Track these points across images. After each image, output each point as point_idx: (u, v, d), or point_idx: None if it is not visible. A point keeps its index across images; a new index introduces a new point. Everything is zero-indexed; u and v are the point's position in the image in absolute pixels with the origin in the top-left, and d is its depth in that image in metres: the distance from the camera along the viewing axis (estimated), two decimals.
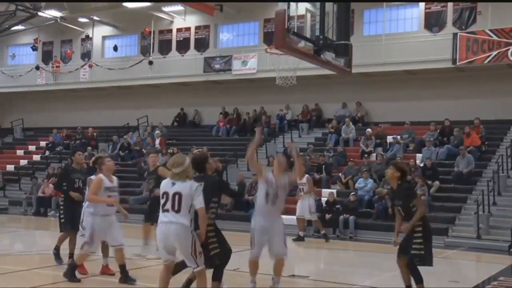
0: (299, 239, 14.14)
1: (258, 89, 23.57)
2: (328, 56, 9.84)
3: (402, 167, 7.29)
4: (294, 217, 16.13)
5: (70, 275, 7.96)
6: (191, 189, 5.92)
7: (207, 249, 6.35)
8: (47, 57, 29.01)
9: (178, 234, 5.86)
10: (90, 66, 26.72)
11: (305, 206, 14.30)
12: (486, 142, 18.55)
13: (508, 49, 18.40)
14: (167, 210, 5.89)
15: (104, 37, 28.16)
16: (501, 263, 11.29)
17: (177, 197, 5.86)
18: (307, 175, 14.51)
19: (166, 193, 5.93)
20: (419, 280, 6.94)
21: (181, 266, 6.54)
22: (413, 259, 6.89)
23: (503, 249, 13.10)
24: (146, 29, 25.68)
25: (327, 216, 15.59)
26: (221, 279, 6.61)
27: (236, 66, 23.32)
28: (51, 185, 20.09)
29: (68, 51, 28.35)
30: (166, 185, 6.00)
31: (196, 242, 5.95)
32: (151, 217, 10.22)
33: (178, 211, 5.86)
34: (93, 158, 9.19)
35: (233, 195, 7.11)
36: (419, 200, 7.24)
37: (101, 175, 8.24)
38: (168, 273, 6.19)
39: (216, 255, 6.49)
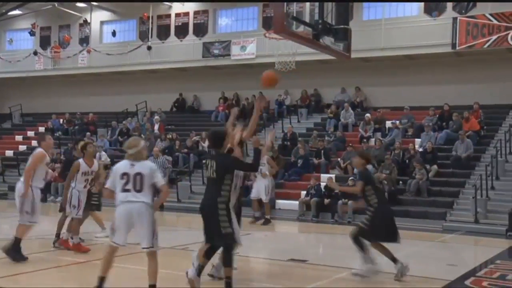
0: (266, 222, 14.02)
1: (257, 74, 23.27)
2: (327, 40, 9.82)
3: (366, 156, 8.41)
4: (293, 201, 16.24)
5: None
6: (151, 170, 6.15)
7: (218, 228, 6.37)
8: (45, 42, 28.89)
9: (141, 212, 6.06)
10: (89, 52, 26.62)
11: (261, 187, 14.32)
12: (485, 127, 18.57)
13: (508, 33, 18.33)
14: (128, 190, 6.08)
15: (102, 22, 28.03)
16: (498, 246, 11.38)
17: (138, 177, 6.08)
18: (267, 156, 14.22)
19: (126, 174, 6.11)
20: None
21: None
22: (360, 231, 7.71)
23: (501, 233, 13.19)
24: (145, 14, 25.55)
25: (326, 201, 15.64)
26: (232, 263, 6.56)
27: (235, 51, 23.23)
28: (50, 171, 20.09)
29: (66, 36, 28.24)
30: (124, 167, 6.18)
31: (155, 222, 6.16)
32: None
33: (139, 191, 6.08)
34: (81, 144, 9.69)
35: (249, 169, 6.83)
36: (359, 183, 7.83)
37: (80, 160, 9.13)
38: (113, 255, 6.34)
39: (228, 234, 6.39)
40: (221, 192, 6.41)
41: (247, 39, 23.17)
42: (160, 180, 6.20)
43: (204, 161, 6.93)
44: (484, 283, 7.64)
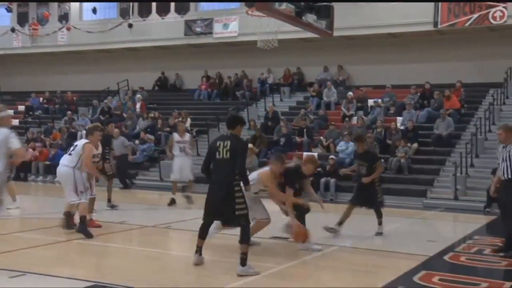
0: (172, 202, 13.05)
1: (239, 52, 23.37)
2: (310, 18, 9.77)
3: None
4: None
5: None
6: (5, 136, 6.70)
7: (234, 209, 6.44)
8: (22, 19, 28.32)
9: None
10: (68, 29, 26.19)
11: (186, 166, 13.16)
12: (466, 105, 18.74)
13: (489, 12, 18.42)
14: None
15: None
16: (476, 222, 11.59)
17: None
18: (188, 134, 13.75)
19: None
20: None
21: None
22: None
23: (479, 209, 13.42)
24: None
25: None
26: (249, 241, 6.65)
27: (217, 29, 23.05)
28: (30, 150, 19.93)
29: (45, 13, 27.71)
30: None
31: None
32: None
33: None
34: (89, 126, 10.32)
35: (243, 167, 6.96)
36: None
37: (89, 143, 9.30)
38: None
39: (242, 216, 6.48)
40: (235, 173, 6.47)
41: (229, 17, 22.98)
42: (14, 144, 6.74)
43: (213, 144, 6.80)
44: (462, 258, 7.79)
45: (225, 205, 6.48)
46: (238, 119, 6.97)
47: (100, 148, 9.82)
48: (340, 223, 9.34)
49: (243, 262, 6.45)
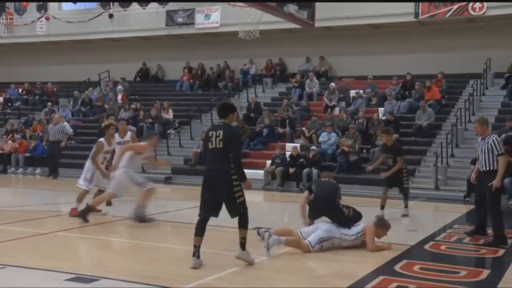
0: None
1: (221, 43, 23.29)
2: (291, 8, 9.79)
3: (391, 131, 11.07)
4: (258, 171, 16.32)
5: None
6: None
7: (233, 197, 6.36)
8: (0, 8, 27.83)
9: None
10: (47, 19, 25.83)
11: None
12: (446, 96, 18.91)
13: (469, 3, 18.58)
14: None
15: None
16: (456, 212, 11.73)
17: None
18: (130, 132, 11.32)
19: None
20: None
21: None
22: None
23: (459, 199, 13.58)
24: None
25: (291, 170, 15.78)
26: (248, 225, 6.58)
27: (199, 20, 22.93)
28: (10, 142, 19.69)
29: (24, 2, 27.26)
30: None
31: None
32: None
33: None
34: (105, 123, 10.81)
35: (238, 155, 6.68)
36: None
37: (102, 139, 9.90)
38: None
39: (241, 203, 6.45)
40: (230, 161, 6.32)
41: (211, 7, 22.86)
42: None
43: (206, 134, 6.61)
44: (442, 247, 7.89)
45: (226, 196, 6.36)
46: (229, 106, 6.74)
47: (113, 144, 10.12)
48: (382, 207, 10.36)
49: (243, 246, 6.49)
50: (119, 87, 23.48)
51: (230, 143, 6.34)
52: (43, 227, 8.63)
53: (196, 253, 6.45)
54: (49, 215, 9.67)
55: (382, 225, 7.72)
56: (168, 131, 19.85)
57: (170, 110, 20.63)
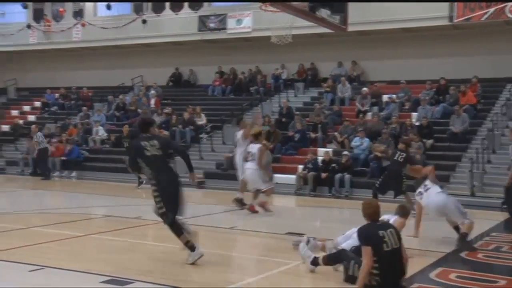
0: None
1: (253, 48, 23.36)
2: (324, 13, 9.75)
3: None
4: (290, 176, 16.27)
5: None
6: None
7: (182, 201, 6.82)
8: (38, 15, 28.50)
9: None
10: (83, 25, 26.32)
11: None
12: (482, 101, 18.56)
13: (506, 6, 18.19)
14: None
15: None
16: (493, 219, 11.47)
17: None
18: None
19: None
20: None
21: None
22: None
23: (496, 206, 13.27)
24: None
25: (323, 175, 15.69)
26: (182, 231, 6.79)
27: (231, 25, 23.03)
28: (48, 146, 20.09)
29: (61, 9, 27.85)
30: None
31: None
32: None
33: None
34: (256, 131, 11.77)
35: (179, 152, 7.55)
36: None
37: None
38: None
39: (163, 214, 6.73)
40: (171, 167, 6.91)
41: (242, 12, 22.94)
42: None
43: (136, 145, 7.08)
44: (480, 255, 7.72)
45: (178, 198, 6.83)
46: (149, 122, 7.30)
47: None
48: None
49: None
50: (152, 92, 23.76)
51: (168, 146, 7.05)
52: (78, 230, 8.78)
53: (193, 247, 6.74)
54: (84, 218, 9.83)
55: (406, 214, 7.49)
56: (200, 136, 19.98)
57: (202, 114, 20.77)
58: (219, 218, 11.10)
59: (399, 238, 5.58)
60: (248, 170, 11.28)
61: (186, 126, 20.16)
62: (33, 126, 20.54)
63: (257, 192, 11.18)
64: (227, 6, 24.17)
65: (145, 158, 6.77)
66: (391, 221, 6.64)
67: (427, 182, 8.64)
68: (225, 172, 17.21)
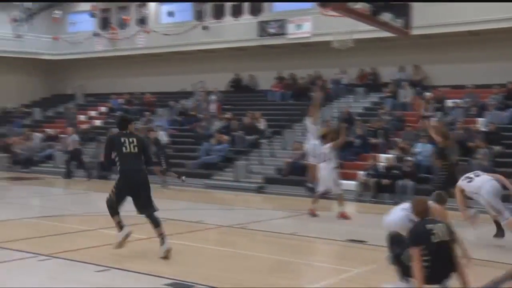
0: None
1: (312, 53, 23.27)
2: (386, 17, 9.59)
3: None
4: (350, 182, 16.04)
5: None
6: None
7: (150, 198, 7.62)
8: (104, 23, 29.54)
9: None
10: (147, 32, 27.05)
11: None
12: None
13: None
14: None
15: (158, 3, 28.38)
16: None
17: None
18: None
19: None
20: None
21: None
22: None
23: None
24: None
25: (385, 181, 15.40)
26: (117, 212, 7.52)
27: (290, 30, 23.04)
28: None
29: (125, 17, 28.75)
30: None
31: None
32: None
33: None
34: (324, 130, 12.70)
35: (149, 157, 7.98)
36: None
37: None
38: None
39: (153, 202, 7.62)
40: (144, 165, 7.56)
41: (302, 17, 22.90)
42: None
43: (114, 140, 7.63)
44: None
45: (145, 194, 7.57)
46: (128, 119, 7.87)
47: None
48: None
49: (162, 241, 7.39)
50: (213, 97, 24.09)
51: (144, 148, 7.61)
52: (143, 232, 8.97)
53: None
54: (146, 221, 10.00)
55: (442, 201, 7.13)
56: (260, 141, 20.06)
57: (262, 120, 20.86)
58: (279, 223, 11.11)
59: (451, 233, 5.52)
60: (324, 171, 11.36)
61: (246, 131, 20.31)
62: (70, 128, 22.01)
63: (341, 198, 11.56)
64: (286, 11, 24.20)
65: (120, 153, 7.40)
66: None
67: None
68: (285, 177, 17.21)
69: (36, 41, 29.79)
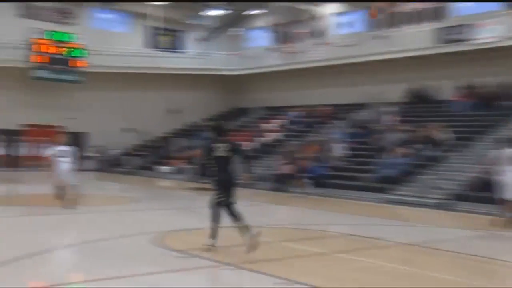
0: None
1: (499, 59, 21.43)
2: None
3: None
4: None
5: None
6: None
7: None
8: (280, 38, 30.50)
9: None
10: (326, 44, 27.30)
11: None
12: None
13: None
14: None
15: (332, 14, 28.56)
16: None
17: None
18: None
19: None
20: None
21: None
22: None
23: None
24: (372, 11, 25.27)
25: None
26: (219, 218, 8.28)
27: (476, 35, 21.51)
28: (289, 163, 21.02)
29: (300, 31, 29.43)
30: None
31: None
32: None
33: None
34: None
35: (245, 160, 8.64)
36: None
37: None
38: None
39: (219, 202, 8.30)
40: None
41: (488, 20, 21.26)
42: None
43: (212, 145, 8.30)
44: None
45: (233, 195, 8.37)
46: (220, 125, 8.68)
47: None
48: None
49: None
50: (390, 108, 23.38)
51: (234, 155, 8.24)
52: (325, 247, 8.88)
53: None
54: (322, 235, 9.94)
55: None
56: (443, 154, 18.91)
57: (444, 131, 19.67)
58: (466, 243, 10.27)
59: None
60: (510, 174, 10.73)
61: (427, 143, 19.32)
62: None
63: None
64: (468, 15, 22.69)
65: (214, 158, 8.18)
66: None
67: None
68: (472, 193, 15.90)
69: (217, 58, 31.80)
